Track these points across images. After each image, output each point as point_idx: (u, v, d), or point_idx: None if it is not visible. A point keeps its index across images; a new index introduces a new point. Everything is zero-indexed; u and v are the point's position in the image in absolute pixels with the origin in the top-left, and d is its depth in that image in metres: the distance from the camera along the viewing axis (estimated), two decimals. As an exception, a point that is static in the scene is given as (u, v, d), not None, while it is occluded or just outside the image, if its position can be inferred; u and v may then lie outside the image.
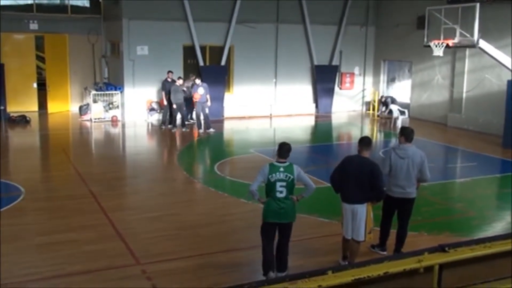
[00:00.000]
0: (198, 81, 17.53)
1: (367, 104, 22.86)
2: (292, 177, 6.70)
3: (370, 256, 7.38)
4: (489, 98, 17.99)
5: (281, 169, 6.70)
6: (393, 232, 7.83)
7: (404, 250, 7.47)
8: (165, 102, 18.13)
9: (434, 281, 4.31)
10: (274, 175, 6.68)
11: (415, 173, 7.40)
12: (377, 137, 19.17)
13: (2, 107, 18.65)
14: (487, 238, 4.77)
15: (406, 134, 7.49)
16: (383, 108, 21.28)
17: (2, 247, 7.82)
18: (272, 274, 7.03)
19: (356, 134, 18.06)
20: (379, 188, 7.02)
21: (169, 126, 18.06)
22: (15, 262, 7.40)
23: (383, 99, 21.45)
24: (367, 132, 19.74)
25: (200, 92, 17.36)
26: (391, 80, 22.77)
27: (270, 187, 6.73)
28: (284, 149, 6.80)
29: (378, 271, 4.08)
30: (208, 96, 17.65)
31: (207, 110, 17.73)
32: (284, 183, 6.68)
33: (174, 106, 17.62)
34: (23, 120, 18.61)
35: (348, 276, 3.98)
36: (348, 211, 7.08)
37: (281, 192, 6.70)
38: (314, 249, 8.04)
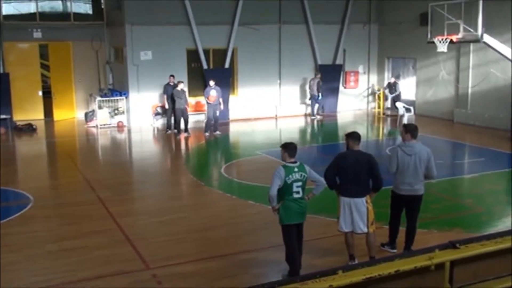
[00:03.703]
0: (212, 83, 17.52)
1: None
2: (306, 175, 6.81)
3: (380, 254, 7.36)
4: (495, 93, 17.91)
5: (296, 169, 6.76)
6: (402, 230, 7.80)
7: (414, 248, 7.44)
8: (167, 106, 18.16)
9: (446, 278, 4.28)
10: (290, 176, 6.70)
11: (422, 170, 7.39)
12: (383, 135, 19.14)
13: (8, 116, 18.74)
14: (498, 234, 4.74)
15: (411, 130, 7.48)
16: (387, 92, 21.18)
17: (13, 255, 7.87)
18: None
19: (362, 133, 17.96)
20: (378, 176, 7.09)
21: (175, 131, 18.07)
22: (26, 269, 7.43)
23: (392, 81, 21.31)
24: (373, 130, 19.70)
25: (213, 94, 17.40)
26: (395, 77, 22.68)
27: (286, 188, 6.73)
28: (292, 148, 6.85)
29: (389, 269, 4.06)
30: (220, 100, 17.68)
31: (218, 113, 17.77)
32: (300, 183, 6.76)
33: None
34: (29, 129, 18.68)
35: (358, 275, 3.96)
36: (346, 204, 7.12)
37: (297, 192, 6.76)
38: (323, 249, 8.02)
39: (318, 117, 21.02)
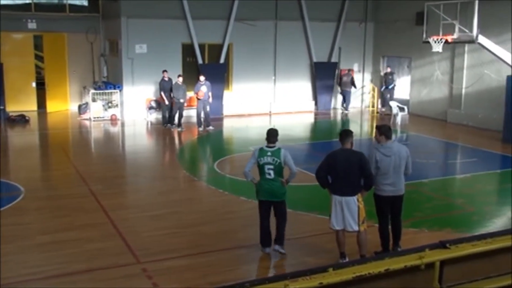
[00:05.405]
0: (202, 78, 17.50)
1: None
2: (279, 160, 7.35)
3: (371, 253, 7.39)
4: (489, 94, 17.98)
5: (269, 153, 7.38)
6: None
7: (404, 247, 7.46)
8: (166, 102, 18.01)
9: (435, 277, 4.31)
10: (262, 158, 7.39)
11: (403, 169, 7.43)
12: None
13: (1, 107, 18.64)
14: (488, 234, 4.78)
15: (385, 132, 7.48)
16: (383, 85, 21.34)
17: (4, 246, 7.83)
18: (268, 250, 7.57)
19: (356, 131, 18.03)
20: (369, 174, 7.13)
21: (168, 125, 18.02)
22: (17, 261, 7.41)
23: (388, 70, 21.37)
24: (366, 128, 19.74)
25: (203, 90, 17.38)
26: (391, 68, 22.65)
27: (260, 169, 7.48)
28: (271, 134, 7.49)
29: (379, 268, 4.08)
30: (210, 94, 17.65)
31: (208, 108, 17.74)
32: (271, 166, 7.37)
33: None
34: (22, 120, 18.59)
35: (349, 273, 3.98)
36: (337, 203, 7.15)
37: (269, 174, 7.40)
38: (315, 246, 8.04)
39: (348, 110, 21.64)
